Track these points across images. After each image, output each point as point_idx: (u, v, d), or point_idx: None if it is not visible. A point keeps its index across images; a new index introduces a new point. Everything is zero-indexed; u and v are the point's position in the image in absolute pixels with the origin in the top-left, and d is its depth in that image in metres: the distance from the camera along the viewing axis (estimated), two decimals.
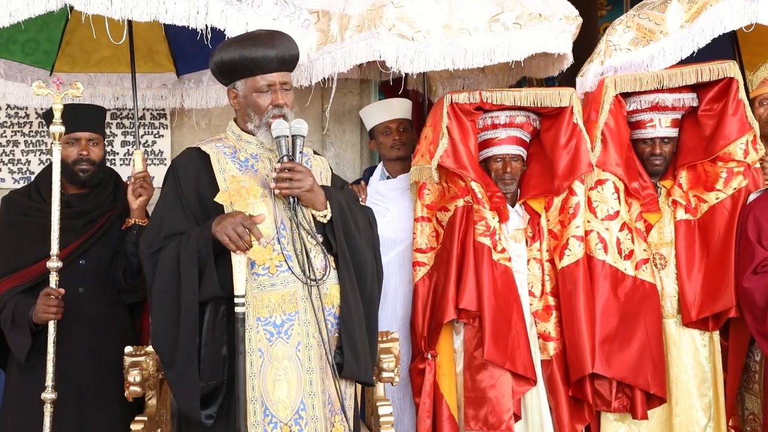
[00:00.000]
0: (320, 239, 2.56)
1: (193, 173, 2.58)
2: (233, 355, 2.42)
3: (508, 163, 3.49)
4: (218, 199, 2.43)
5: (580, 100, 3.56)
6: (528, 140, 3.58)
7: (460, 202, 3.41)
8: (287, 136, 2.50)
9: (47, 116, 3.05)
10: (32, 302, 2.96)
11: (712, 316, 3.36)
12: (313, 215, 2.57)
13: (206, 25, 2.79)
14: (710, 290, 3.34)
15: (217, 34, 2.86)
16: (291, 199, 2.50)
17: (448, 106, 3.41)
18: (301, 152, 2.54)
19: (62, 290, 2.91)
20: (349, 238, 2.60)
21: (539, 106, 3.42)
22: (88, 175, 3.24)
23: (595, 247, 3.37)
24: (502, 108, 3.46)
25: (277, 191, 2.47)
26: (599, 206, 3.41)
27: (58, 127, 2.91)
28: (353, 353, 2.56)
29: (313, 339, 2.50)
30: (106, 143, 4.33)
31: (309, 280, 2.48)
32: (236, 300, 2.37)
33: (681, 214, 3.45)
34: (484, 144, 3.54)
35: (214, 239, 2.37)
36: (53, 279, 2.90)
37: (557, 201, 3.46)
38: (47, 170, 3.32)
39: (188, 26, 2.78)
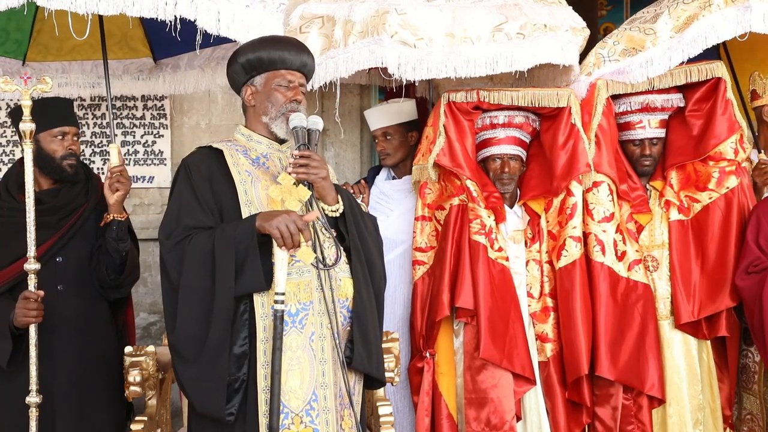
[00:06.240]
0: (334, 233, 2.58)
1: (205, 170, 2.60)
2: (254, 353, 2.43)
3: (506, 162, 3.47)
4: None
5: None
6: (527, 141, 3.57)
7: (455, 201, 3.39)
8: (304, 127, 2.54)
9: (16, 113, 2.92)
10: (11, 306, 2.85)
11: (705, 323, 3.41)
12: (323, 210, 2.57)
13: (175, 16, 2.70)
14: (709, 289, 3.38)
15: (189, 23, 2.79)
16: (306, 185, 2.49)
17: (446, 104, 3.41)
18: (316, 145, 2.57)
19: (41, 292, 2.80)
20: (360, 234, 2.65)
21: (537, 106, 3.42)
22: (75, 170, 3.17)
23: (593, 250, 3.38)
24: (501, 108, 3.46)
25: (294, 175, 2.47)
26: (596, 208, 3.42)
27: (28, 125, 2.76)
28: (365, 345, 2.55)
29: (326, 330, 2.50)
30: (105, 142, 4.48)
31: (321, 264, 2.49)
32: (276, 297, 2.36)
33: (674, 215, 3.49)
34: (483, 144, 3.52)
35: (259, 233, 2.38)
36: (32, 282, 2.79)
37: (556, 202, 3.47)
38: (14, 168, 3.22)
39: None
